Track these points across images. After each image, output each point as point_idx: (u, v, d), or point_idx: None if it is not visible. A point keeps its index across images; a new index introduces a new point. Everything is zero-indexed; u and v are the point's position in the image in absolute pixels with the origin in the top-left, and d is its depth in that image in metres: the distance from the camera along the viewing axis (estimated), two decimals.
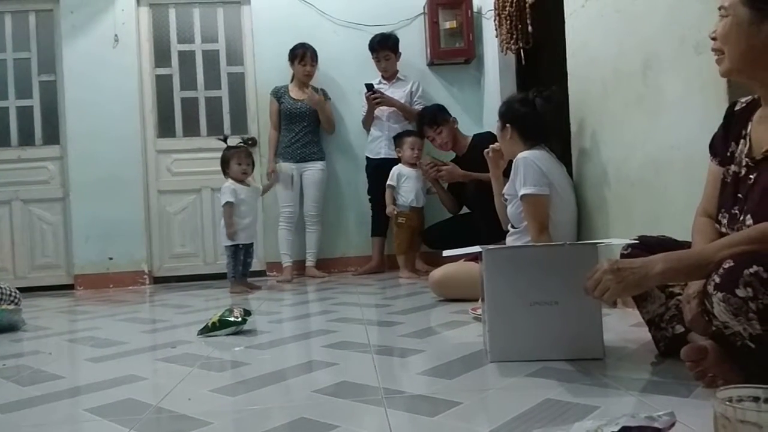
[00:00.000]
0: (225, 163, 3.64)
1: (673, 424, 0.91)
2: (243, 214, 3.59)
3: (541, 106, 2.48)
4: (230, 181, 3.61)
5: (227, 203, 3.54)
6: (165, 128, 4.48)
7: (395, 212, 3.85)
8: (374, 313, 2.57)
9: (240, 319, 2.18)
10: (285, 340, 2.10)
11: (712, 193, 1.36)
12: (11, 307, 2.62)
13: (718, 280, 1.08)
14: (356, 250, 4.40)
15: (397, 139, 3.96)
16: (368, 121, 4.21)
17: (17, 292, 2.79)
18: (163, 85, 4.48)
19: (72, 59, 4.30)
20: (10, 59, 4.40)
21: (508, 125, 2.51)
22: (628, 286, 1.21)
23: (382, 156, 4.13)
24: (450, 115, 3.70)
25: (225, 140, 3.72)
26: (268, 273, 4.37)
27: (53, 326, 2.70)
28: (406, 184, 3.87)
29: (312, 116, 4.17)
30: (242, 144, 3.79)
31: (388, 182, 3.88)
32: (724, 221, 1.29)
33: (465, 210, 3.77)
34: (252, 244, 3.70)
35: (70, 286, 4.32)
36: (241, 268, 3.62)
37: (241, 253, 3.60)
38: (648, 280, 1.19)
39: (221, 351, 1.93)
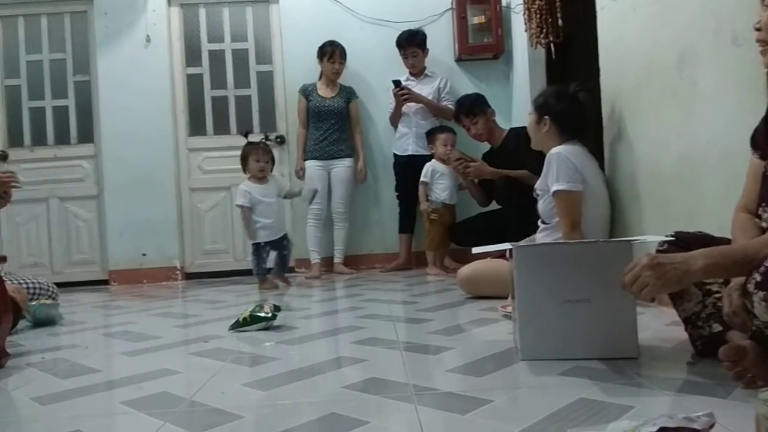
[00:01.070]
0: (244, 160, 3.62)
1: (712, 426, 0.89)
2: (262, 213, 3.56)
3: (585, 99, 2.43)
4: (245, 182, 3.61)
5: (240, 207, 3.57)
6: (196, 127, 4.55)
7: (429, 209, 3.84)
8: (402, 309, 2.57)
9: (270, 315, 2.21)
10: (314, 336, 2.12)
11: (753, 188, 1.32)
12: (49, 301, 2.69)
13: (759, 278, 1.05)
14: (384, 247, 4.41)
15: (430, 136, 3.95)
16: (395, 118, 4.20)
17: (54, 287, 2.87)
18: (193, 85, 4.55)
19: (105, 59, 4.39)
20: (46, 60, 4.51)
21: (546, 117, 2.46)
22: (669, 283, 1.16)
23: (410, 153, 4.12)
24: (489, 106, 3.65)
25: (246, 135, 3.71)
26: (296, 270, 4.40)
27: (89, 320, 2.76)
28: (440, 181, 3.85)
29: (340, 114, 4.18)
30: (263, 141, 3.74)
31: (421, 179, 3.86)
32: (765, 215, 1.26)
33: (492, 207, 3.75)
34: (281, 239, 3.62)
35: (105, 282, 4.42)
36: (275, 265, 3.57)
37: (264, 251, 3.56)
38: (689, 276, 1.15)
39: (252, 346, 1.95)
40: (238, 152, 4.45)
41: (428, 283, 3.48)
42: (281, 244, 3.62)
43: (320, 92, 4.20)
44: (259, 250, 3.58)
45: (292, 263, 4.41)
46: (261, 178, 3.60)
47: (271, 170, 3.69)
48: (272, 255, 3.61)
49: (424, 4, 4.42)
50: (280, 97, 4.52)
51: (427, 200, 3.87)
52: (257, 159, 3.57)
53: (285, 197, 3.80)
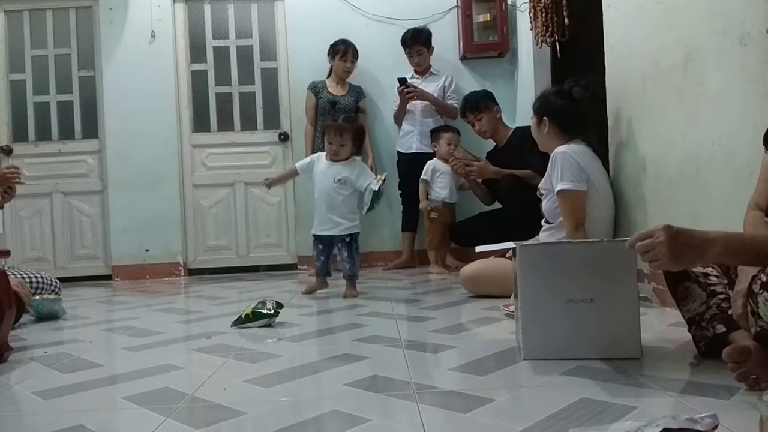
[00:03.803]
0: (321, 136, 3.28)
1: (716, 427, 0.88)
2: (317, 197, 2.98)
3: (580, 94, 2.43)
4: (322, 153, 3.07)
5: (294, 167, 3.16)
6: (200, 123, 4.55)
7: (429, 207, 3.83)
8: (404, 308, 2.57)
9: (272, 312, 2.21)
10: (316, 333, 2.11)
11: (765, 186, 1.32)
12: (52, 296, 2.70)
13: (765, 278, 1.05)
14: (386, 245, 4.41)
15: (434, 134, 3.95)
16: (400, 116, 4.20)
17: (58, 281, 2.88)
18: (198, 81, 4.55)
19: (110, 55, 4.39)
20: (51, 55, 4.51)
21: (545, 119, 2.46)
22: (682, 262, 1.16)
23: (414, 151, 4.12)
24: (495, 104, 3.62)
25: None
26: (299, 267, 4.40)
27: (92, 315, 2.77)
28: (440, 180, 3.85)
29: (349, 112, 4.17)
30: (339, 119, 3.12)
31: (422, 177, 3.86)
32: None
33: (493, 206, 3.74)
34: (343, 237, 2.92)
35: (108, 277, 4.43)
36: (348, 266, 2.94)
37: (315, 246, 2.99)
38: (704, 260, 1.15)
39: (254, 342, 1.95)
40: (242, 149, 4.51)
41: (430, 281, 3.48)
42: (343, 245, 2.94)
43: (330, 90, 4.19)
44: (314, 243, 3.00)
45: (294, 260, 4.44)
46: (336, 160, 2.98)
47: (347, 155, 2.96)
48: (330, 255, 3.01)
49: (429, 2, 4.41)
50: (284, 94, 4.52)
51: (427, 198, 3.86)
52: (329, 141, 2.96)
53: (268, 187, 3.26)
